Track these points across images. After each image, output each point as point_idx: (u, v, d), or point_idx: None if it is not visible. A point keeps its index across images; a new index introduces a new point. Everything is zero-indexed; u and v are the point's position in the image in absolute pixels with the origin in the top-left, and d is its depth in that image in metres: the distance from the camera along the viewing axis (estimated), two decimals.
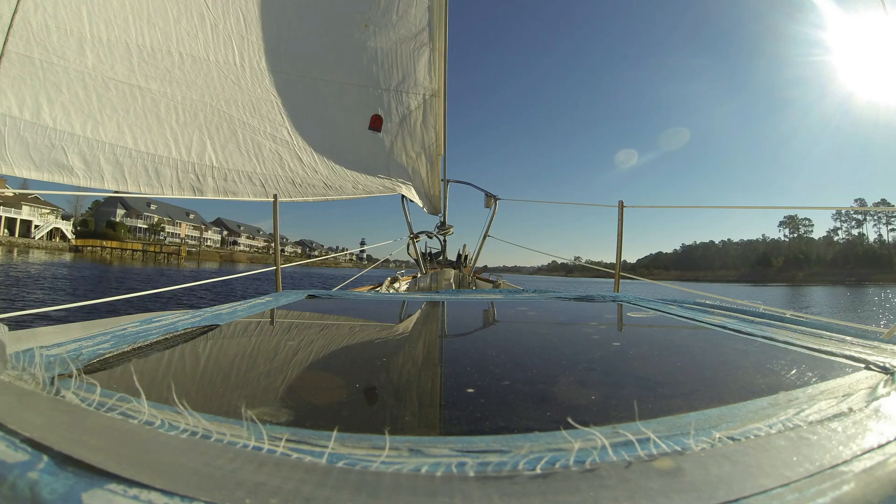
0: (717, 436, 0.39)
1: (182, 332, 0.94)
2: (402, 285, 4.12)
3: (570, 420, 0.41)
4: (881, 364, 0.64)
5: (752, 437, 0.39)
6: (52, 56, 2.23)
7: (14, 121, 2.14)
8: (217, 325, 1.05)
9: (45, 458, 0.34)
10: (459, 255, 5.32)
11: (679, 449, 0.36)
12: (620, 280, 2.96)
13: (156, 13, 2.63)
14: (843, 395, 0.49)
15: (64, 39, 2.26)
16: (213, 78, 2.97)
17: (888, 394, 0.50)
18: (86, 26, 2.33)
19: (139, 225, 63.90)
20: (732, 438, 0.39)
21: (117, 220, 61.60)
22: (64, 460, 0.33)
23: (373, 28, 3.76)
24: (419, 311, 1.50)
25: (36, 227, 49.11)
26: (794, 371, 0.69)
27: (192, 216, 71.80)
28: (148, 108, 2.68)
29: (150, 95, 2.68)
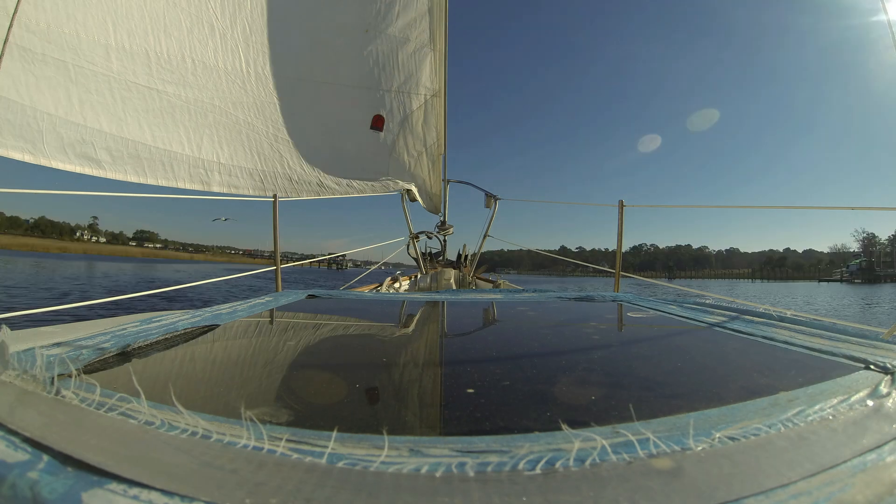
0: (717, 436, 0.39)
1: (182, 332, 0.94)
2: (403, 285, 4.12)
3: (570, 420, 0.41)
4: (881, 364, 0.64)
5: (752, 437, 0.39)
6: (82, 61, 2.46)
7: (51, 117, 2.35)
8: (217, 325, 1.05)
9: (46, 457, 0.34)
10: (459, 255, 5.31)
11: (679, 449, 0.36)
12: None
13: (171, 24, 2.87)
14: (843, 395, 0.49)
15: (93, 47, 2.50)
16: (222, 82, 3.20)
17: (888, 394, 0.50)
18: (111, 36, 2.58)
19: None
20: (732, 438, 0.38)
21: None
22: (64, 460, 0.33)
23: (373, 32, 3.82)
24: (419, 311, 1.50)
25: None
26: (794, 371, 0.69)
27: None
28: (164, 109, 2.91)
29: (167, 98, 2.91)
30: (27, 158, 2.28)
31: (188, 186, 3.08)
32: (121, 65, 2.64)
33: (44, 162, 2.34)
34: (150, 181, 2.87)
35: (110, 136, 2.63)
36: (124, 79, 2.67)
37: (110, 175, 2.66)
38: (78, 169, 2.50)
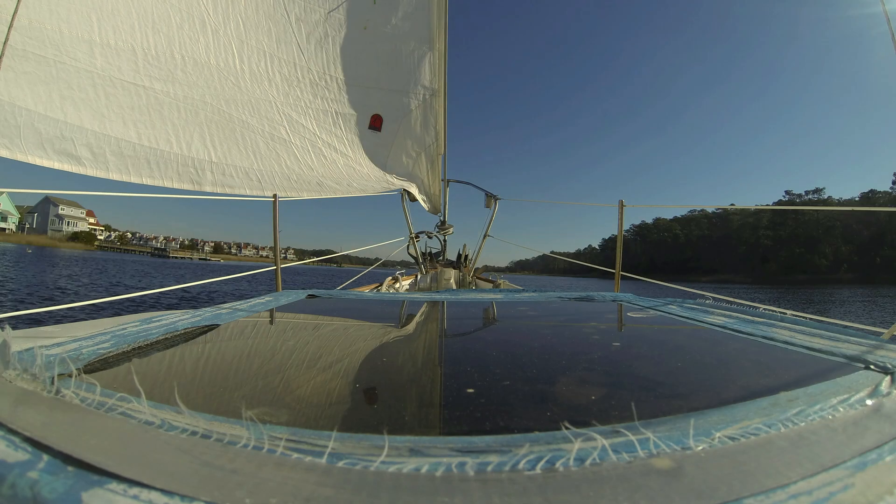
0: (717, 436, 0.39)
1: (182, 332, 0.94)
2: (403, 285, 4.12)
3: (570, 420, 0.41)
4: (881, 364, 0.64)
5: (752, 437, 0.39)
6: (64, 57, 2.42)
7: (29, 113, 2.32)
8: (217, 325, 1.05)
9: (46, 457, 0.34)
10: (459, 255, 5.32)
11: (679, 449, 0.36)
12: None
13: (160, 20, 2.82)
14: (843, 395, 0.49)
15: (75, 43, 2.46)
16: (214, 79, 3.13)
17: (888, 394, 0.50)
18: (95, 31, 2.54)
19: None
20: (732, 438, 0.38)
21: None
22: (64, 460, 0.33)
23: (372, 29, 3.79)
24: (419, 311, 1.50)
25: None
26: (794, 371, 0.69)
27: None
28: (151, 106, 2.84)
29: (154, 95, 2.84)
30: (3, 153, 2.25)
31: (176, 185, 2.99)
32: (105, 61, 2.59)
33: (20, 157, 2.30)
34: (134, 179, 2.79)
35: (91, 133, 2.57)
36: (108, 75, 2.61)
37: (90, 172, 2.59)
38: (56, 165, 2.45)
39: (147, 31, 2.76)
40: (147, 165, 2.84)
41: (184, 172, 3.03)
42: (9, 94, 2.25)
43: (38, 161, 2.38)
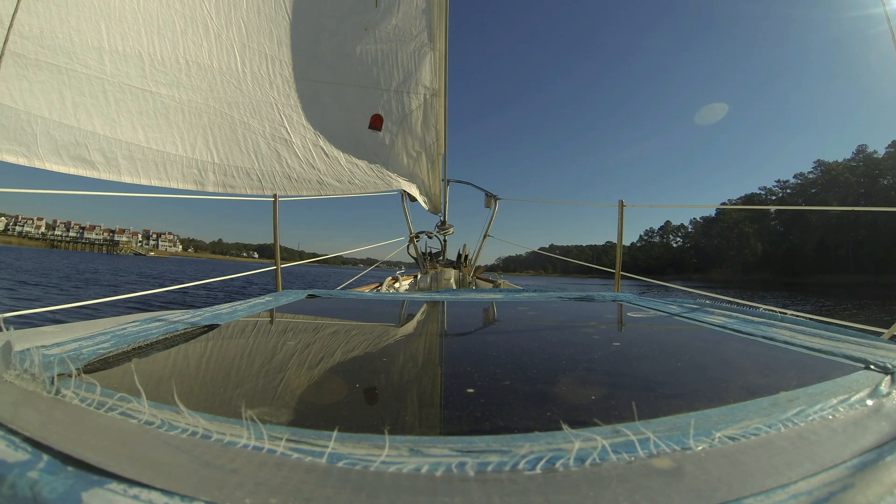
0: (717, 436, 0.39)
1: (182, 332, 0.94)
2: (403, 285, 4.12)
3: (570, 420, 0.41)
4: (881, 364, 0.64)
5: (752, 437, 0.39)
6: (76, 64, 2.48)
7: (45, 121, 2.39)
8: (217, 325, 1.05)
9: (45, 457, 0.34)
10: (459, 255, 5.32)
11: (679, 449, 0.36)
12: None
13: (165, 25, 2.87)
14: (843, 395, 0.49)
15: (86, 50, 2.52)
16: (217, 83, 3.19)
17: (888, 394, 0.50)
18: (104, 38, 2.59)
19: None
20: (732, 438, 0.38)
21: None
22: (64, 460, 0.33)
23: (372, 31, 3.80)
24: (419, 311, 1.50)
25: None
26: (794, 371, 0.69)
27: None
28: (158, 110, 2.92)
29: (161, 99, 2.92)
30: (21, 161, 2.30)
31: (181, 186, 3.08)
32: (114, 67, 2.65)
33: (38, 164, 2.36)
34: (144, 181, 2.88)
35: (104, 138, 2.64)
36: (118, 81, 2.68)
37: (104, 176, 2.67)
38: (72, 171, 2.52)
39: (153, 37, 2.82)
40: (155, 168, 2.94)
41: (188, 174, 3.11)
42: (24, 103, 2.31)
43: (54, 167, 2.44)
